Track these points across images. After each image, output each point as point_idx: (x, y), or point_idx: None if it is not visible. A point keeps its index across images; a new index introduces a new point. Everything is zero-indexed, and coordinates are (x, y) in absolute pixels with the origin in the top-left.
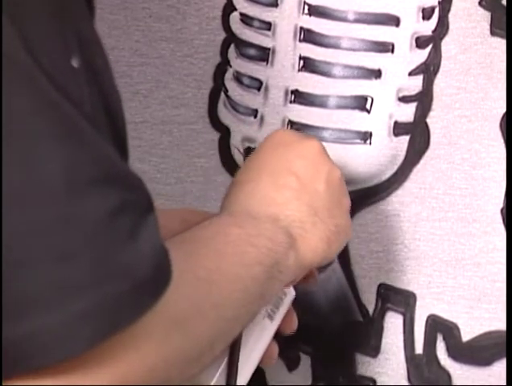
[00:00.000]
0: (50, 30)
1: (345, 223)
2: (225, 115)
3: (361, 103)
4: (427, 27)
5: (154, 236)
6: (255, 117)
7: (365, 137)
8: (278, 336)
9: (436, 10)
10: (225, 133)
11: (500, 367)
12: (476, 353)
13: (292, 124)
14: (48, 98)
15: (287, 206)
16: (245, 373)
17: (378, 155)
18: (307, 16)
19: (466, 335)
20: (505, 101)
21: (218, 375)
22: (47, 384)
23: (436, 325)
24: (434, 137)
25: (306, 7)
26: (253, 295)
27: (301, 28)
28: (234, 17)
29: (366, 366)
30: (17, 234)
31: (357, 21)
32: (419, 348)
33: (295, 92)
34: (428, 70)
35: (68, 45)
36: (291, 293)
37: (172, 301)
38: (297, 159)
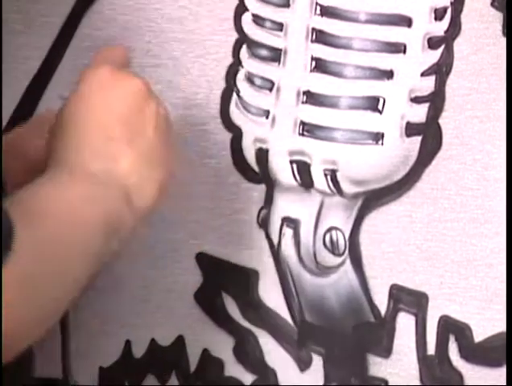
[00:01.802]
0: None
1: (172, 164)
2: (237, 116)
3: (373, 104)
4: (440, 28)
5: None
6: (267, 117)
7: (377, 137)
8: None
9: (448, 11)
10: (236, 133)
11: None
12: (488, 354)
13: (304, 124)
14: None
15: (119, 159)
16: None
17: (390, 156)
18: (319, 17)
19: (478, 336)
20: (506, 101)
21: None
22: None
23: (448, 326)
24: (446, 138)
25: (318, 8)
26: (94, 252)
27: (313, 29)
28: (246, 18)
29: (378, 366)
30: None
31: (368, 21)
32: (431, 349)
33: (307, 93)
34: (440, 71)
35: None
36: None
37: (18, 262)
38: (122, 105)
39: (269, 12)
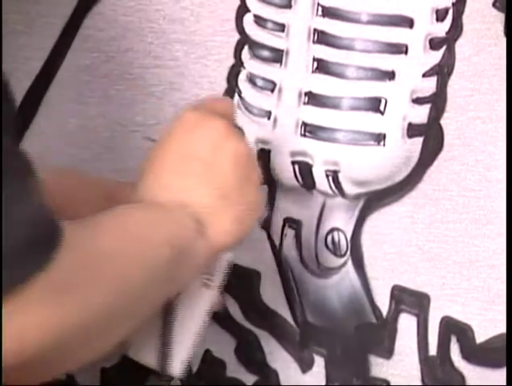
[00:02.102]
0: None
1: (256, 199)
2: (239, 116)
3: (374, 104)
4: (441, 29)
5: (38, 200)
6: (269, 118)
7: (379, 138)
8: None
9: (450, 12)
10: None
11: None
12: (489, 355)
13: (306, 125)
14: None
15: (194, 192)
16: (185, 343)
17: (392, 157)
18: (321, 17)
19: (480, 337)
20: (506, 102)
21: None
22: None
23: (450, 326)
24: (448, 139)
25: (319, 9)
26: (160, 276)
27: (315, 30)
28: (248, 18)
29: (380, 367)
30: None
31: (370, 22)
32: (432, 350)
33: (309, 94)
34: (442, 71)
35: None
36: (225, 258)
37: (65, 267)
38: (201, 143)
39: (270, 13)
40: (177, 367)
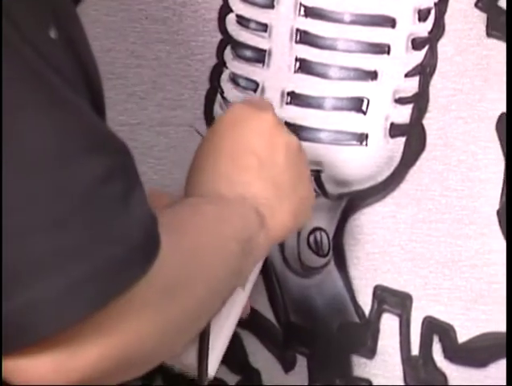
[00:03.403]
0: (27, 2)
1: (309, 193)
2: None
3: (357, 104)
4: (424, 29)
5: (145, 201)
6: None
7: (362, 138)
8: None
9: (432, 12)
10: None
11: (496, 368)
12: (472, 354)
13: (288, 125)
14: (32, 68)
15: (251, 186)
16: (220, 343)
17: (374, 157)
18: (304, 18)
19: (462, 337)
20: (506, 102)
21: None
22: (47, 356)
23: (432, 326)
24: (430, 139)
25: (302, 9)
26: (233, 270)
27: (297, 30)
28: (230, 18)
29: (363, 367)
30: (10, 204)
31: (353, 22)
32: (415, 350)
33: (291, 94)
34: (424, 71)
35: (45, 17)
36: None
37: (163, 270)
38: (253, 136)
39: (253, 13)
40: (213, 368)
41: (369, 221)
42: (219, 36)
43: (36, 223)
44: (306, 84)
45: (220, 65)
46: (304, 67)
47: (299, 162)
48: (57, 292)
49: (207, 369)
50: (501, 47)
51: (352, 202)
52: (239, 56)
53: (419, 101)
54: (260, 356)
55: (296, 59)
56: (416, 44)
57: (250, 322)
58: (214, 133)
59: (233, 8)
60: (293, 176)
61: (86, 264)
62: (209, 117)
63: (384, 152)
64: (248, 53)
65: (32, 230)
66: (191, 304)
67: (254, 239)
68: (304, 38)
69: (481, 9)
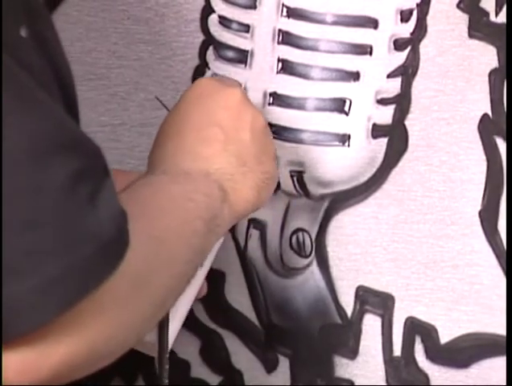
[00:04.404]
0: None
1: (273, 170)
2: None
3: (339, 105)
4: (406, 30)
5: (113, 199)
6: None
7: (344, 139)
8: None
9: (414, 13)
10: None
11: (477, 368)
12: (454, 355)
13: (271, 126)
14: (3, 66)
15: (215, 159)
16: (176, 321)
17: (357, 157)
18: (286, 18)
19: (444, 337)
20: (506, 102)
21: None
22: (16, 356)
23: (414, 327)
24: (412, 140)
25: (284, 9)
26: (196, 250)
27: (279, 30)
28: (213, 19)
29: (345, 368)
30: None
31: (335, 23)
32: (397, 350)
33: (274, 95)
34: (407, 72)
35: (16, 15)
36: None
37: (131, 264)
38: (219, 110)
39: (235, 14)
40: (168, 349)
41: (351, 222)
42: (201, 37)
43: (8, 224)
44: (288, 85)
45: (202, 66)
46: (286, 67)
47: (265, 138)
48: (29, 292)
49: (167, 350)
50: (483, 47)
51: (334, 202)
52: (221, 57)
53: (402, 102)
54: (242, 357)
55: (278, 60)
56: (398, 45)
57: (232, 322)
58: (180, 106)
59: (216, 9)
60: (258, 152)
61: (57, 264)
62: None
63: (366, 153)
64: (230, 54)
65: (4, 231)
66: (159, 293)
67: (218, 215)
68: (286, 38)
69: (463, 10)
